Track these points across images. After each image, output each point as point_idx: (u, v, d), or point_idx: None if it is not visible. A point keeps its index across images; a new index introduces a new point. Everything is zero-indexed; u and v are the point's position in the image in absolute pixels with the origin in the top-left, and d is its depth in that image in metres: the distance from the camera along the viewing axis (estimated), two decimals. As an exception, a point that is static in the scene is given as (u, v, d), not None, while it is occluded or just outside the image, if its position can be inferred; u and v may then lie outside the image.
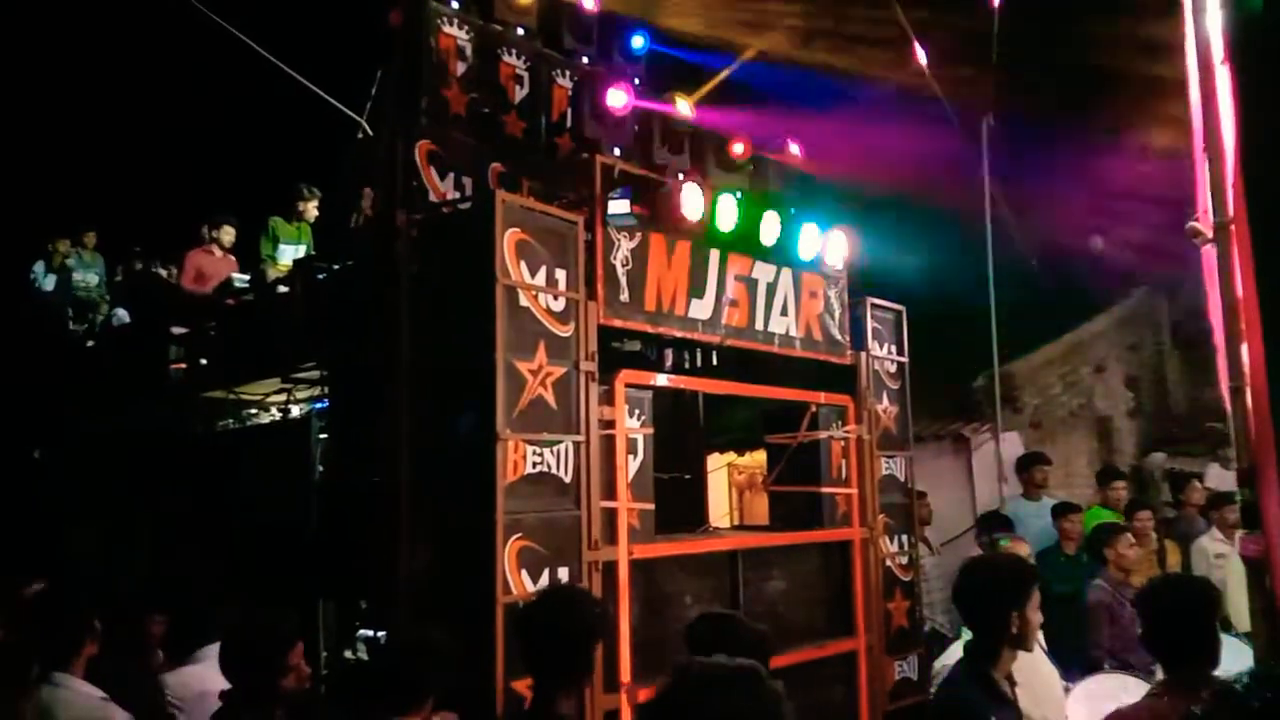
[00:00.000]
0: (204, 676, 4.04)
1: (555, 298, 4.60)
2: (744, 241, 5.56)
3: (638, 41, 6.79)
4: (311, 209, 8.29)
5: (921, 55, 9.01)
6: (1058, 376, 11.57)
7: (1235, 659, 3.32)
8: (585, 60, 6.48)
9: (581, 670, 3.28)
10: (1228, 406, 3.19)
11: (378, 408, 4.70)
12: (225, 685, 3.44)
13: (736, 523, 7.57)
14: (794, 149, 6.32)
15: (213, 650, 4.08)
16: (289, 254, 7.96)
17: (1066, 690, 5.12)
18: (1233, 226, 3.16)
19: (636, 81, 6.56)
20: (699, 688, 1.83)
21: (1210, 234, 3.27)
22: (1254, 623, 3.43)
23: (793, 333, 6.10)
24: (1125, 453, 11.76)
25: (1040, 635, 5.40)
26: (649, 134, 5.55)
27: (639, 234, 5.13)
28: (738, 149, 5.92)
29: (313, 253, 7.97)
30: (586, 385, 4.66)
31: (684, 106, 5.54)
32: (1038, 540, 7.16)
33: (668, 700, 1.84)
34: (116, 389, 7.28)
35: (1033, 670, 5.04)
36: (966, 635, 3.45)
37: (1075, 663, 5.66)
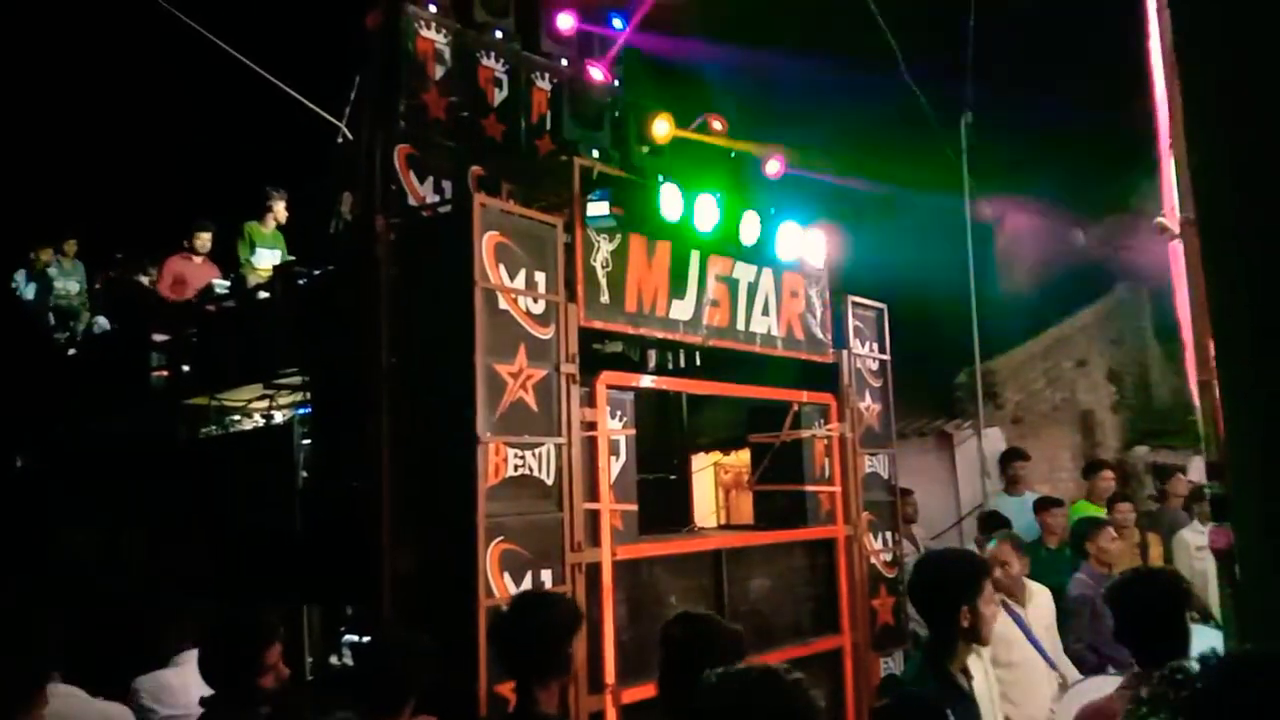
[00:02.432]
0: (182, 682, 4.02)
1: (535, 300, 4.61)
2: (724, 241, 5.59)
3: (617, 24, 6.82)
4: (280, 210, 8.26)
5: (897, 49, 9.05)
6: (1040, 372, 11.64)
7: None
8: (564, 63, 6.50)
9: (557, 669, 3.29)
10: (1196, 400, 3.23)
11: (360, 412, 4.70)
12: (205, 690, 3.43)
13: (724, 522, 7.59)
14: (774, 166, 6.34)
15: (191, 655, 4.08)
16: (266, 258, 7.96)
17: (1063, 687, 5.13)
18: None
19: (617, 84, 6.60)
20: (723, 694, 1.88)
21: (1177, 229, 3.32)
22: (1224, 613, 3.47)
23: (774, 332, 6.13)
24: (1108, 446, 11.83)
25: (1050, 628, 5.46)
26: (627, 133, 5.59)
27: (618, 235, 5.15)
28: (716, 125, 5.95)
29: (288, 255, 7.95)
30: (568, 387, 4.67)
31: (663, 127, 5.55)
32: (1020, 535, 7.18)
33: (700, 710, 1.89)
34: (99, 397, 7.25)
35: (1015, 665, 5.10)
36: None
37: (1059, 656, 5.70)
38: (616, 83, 6.57)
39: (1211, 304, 2.53)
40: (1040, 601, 5.58)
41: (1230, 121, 2.29)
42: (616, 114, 5.62)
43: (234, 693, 3.34)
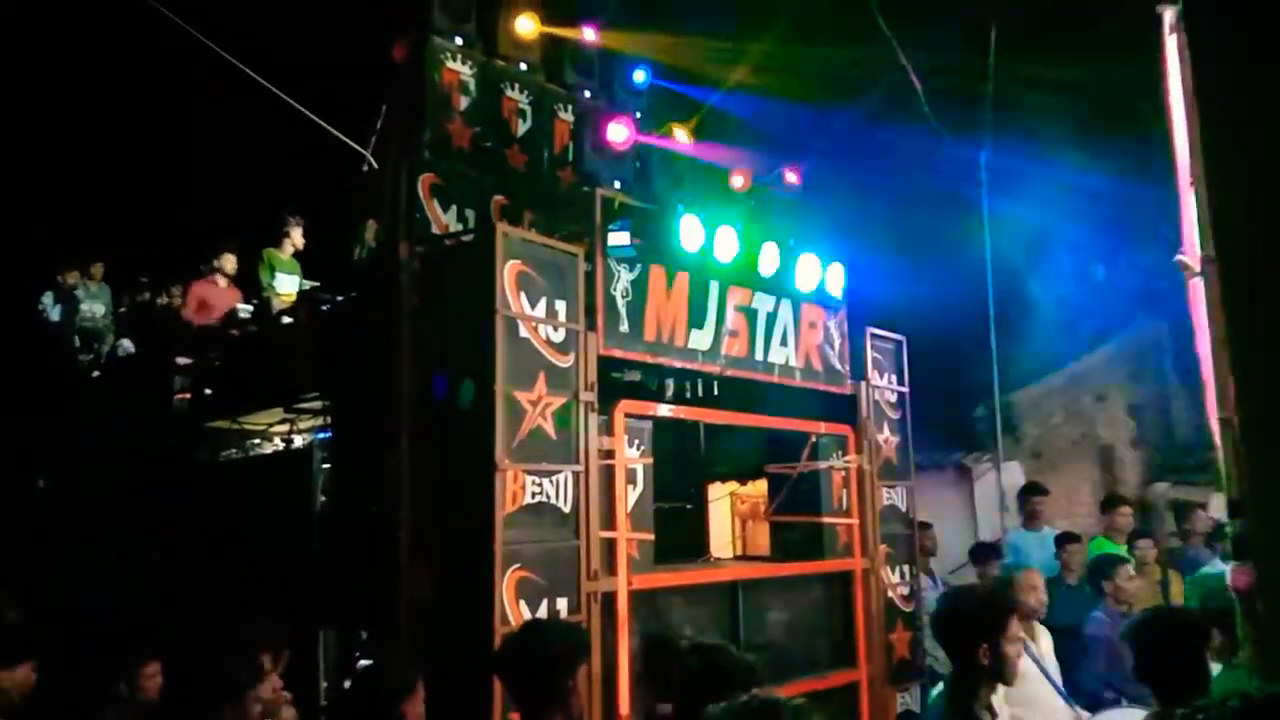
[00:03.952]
0: None
1: (555, 329, 4.64)
2: (743, 272, 5.61)
3: (639, 76, 6.89)
4: (298, 236, 8.34)
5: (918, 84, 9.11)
6: (1059, 406, 11.57)
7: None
8: (587, 95, 6.57)
9: (558, 700, 3.25)
10: (1216, 438, 3.21)
11: (379, 438, 4.74)
12: None
13: (740, 552, 7.57)
14: (791, 178, 6.40)
15: None
16: (287, 283, 8.01)
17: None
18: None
19: (638, 115, 6.67)
20: None
21: (1197, 267, 3.32)
22: (1247, 652, 3.44)
23: (792, 363, 6.13)
24: (1128, 482, 11.72)
25: (1055, 667, 5.42)
26: (649, 167, 5.65)
27: (639, 265, 5.18)
28: (737, 181, 6.01)
29: (303, 280, 8.02)
30: (586, 415, 4.70)
31: (681, 136, 5.62)
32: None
33: None
34: (122, 419, 7.33)
35: (1033, 703, 5.04)
36: None
37: (1076, 695, 5.63)
38: (638, 115, 6.64)
39: (1231, 341, 2.53)
40: (1044, 643, 5.54)
41: (1250, 159, 2.31)
42: (637, 163, 5.67)
43: (229, 695, 3.31)
